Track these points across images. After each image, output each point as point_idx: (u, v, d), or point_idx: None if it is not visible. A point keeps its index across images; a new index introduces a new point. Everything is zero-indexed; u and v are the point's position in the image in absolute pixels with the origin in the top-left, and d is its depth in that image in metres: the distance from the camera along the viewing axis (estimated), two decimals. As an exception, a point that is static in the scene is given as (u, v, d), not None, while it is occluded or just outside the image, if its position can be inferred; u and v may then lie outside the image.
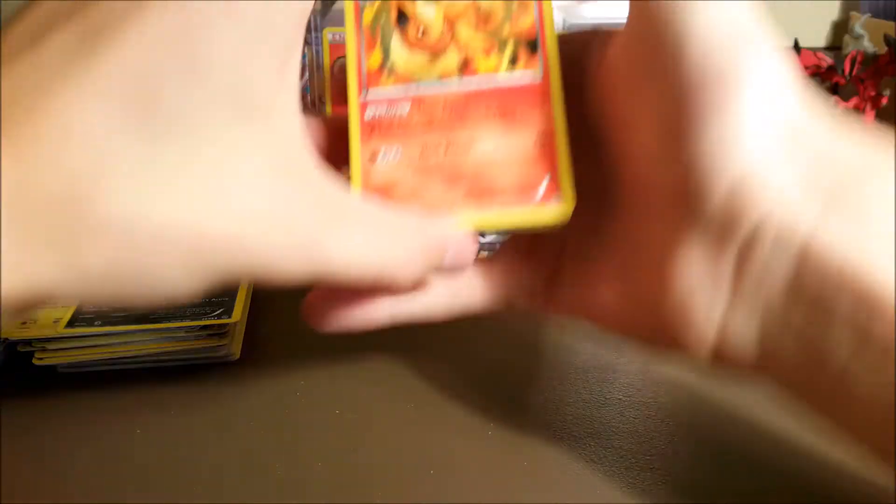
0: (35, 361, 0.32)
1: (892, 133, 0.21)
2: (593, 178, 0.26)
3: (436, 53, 0.27)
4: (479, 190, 0.26)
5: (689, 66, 0.21)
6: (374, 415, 0.29)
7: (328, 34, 0.51)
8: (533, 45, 0.27)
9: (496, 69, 0.27)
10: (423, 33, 0.27)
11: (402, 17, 0.27)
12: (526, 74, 0.27)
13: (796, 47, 0.54)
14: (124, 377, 0.32)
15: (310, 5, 0.22)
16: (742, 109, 0.20)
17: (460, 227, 0.25)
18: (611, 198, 0.26)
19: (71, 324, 0.33)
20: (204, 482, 0.26)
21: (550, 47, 0.27)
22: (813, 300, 0.20)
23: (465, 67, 0.27)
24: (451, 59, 0.27)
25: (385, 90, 0.27)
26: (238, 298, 0.35)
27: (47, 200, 0.18)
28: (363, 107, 0.27)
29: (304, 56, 0.52)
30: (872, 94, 0.52)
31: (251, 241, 0.20)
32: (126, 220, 0.18)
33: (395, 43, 0.27)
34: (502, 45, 0.27)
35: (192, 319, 0.33)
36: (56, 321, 0.33)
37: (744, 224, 0.21)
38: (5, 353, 0.33)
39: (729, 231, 0.21)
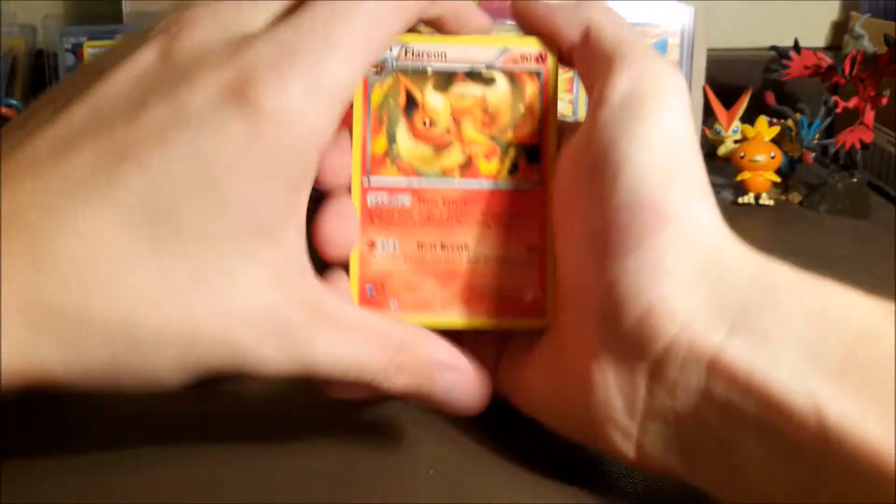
0: (35, 361, 0.32)
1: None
2: None
3: (440, 148, 0.27)
4: (470, 292, 0.27)
5: (621, 193, 0.23)
6: (374, 414, 0.29)
7: (328, 34, 0.51)
8: (534, 155, 0.27)
9: (496, 175, 0.27)
10: (430, 125, 0.27)
11: (411, 104, 0.27)
12: (524, 184, 0.27)
13: (796, 47, 0.54)
14: (124, 377, 0.32)
15: (329, 135, 0.23)
16: (662, 243, 0.22)
17: (448, 327, 0.27)
18: None
19: (71, 324, 0.33)
20: (204, 482, 0.26)
21: (550, 159, 0.27)
22: (723, 408, 0.21)
23: (467, 167, 0.27)
24: (455, 156, 0.27)
25: (388, 179, 0.27)
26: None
27: (60, 305, 0.20)
28: (365, 192, 0.27)
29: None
30: (872, 94, 0.52)
31: (242, 341, 0.22)
32: (128, 323, 0.21)
33: (402, 131, 0.27)
34: (504, 151, 0.27)
35: (193, 319, 0.33)
36: (56, 321, 0.33)
37: (654, 345, 0.22)
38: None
39: (640, 350, 0.22)
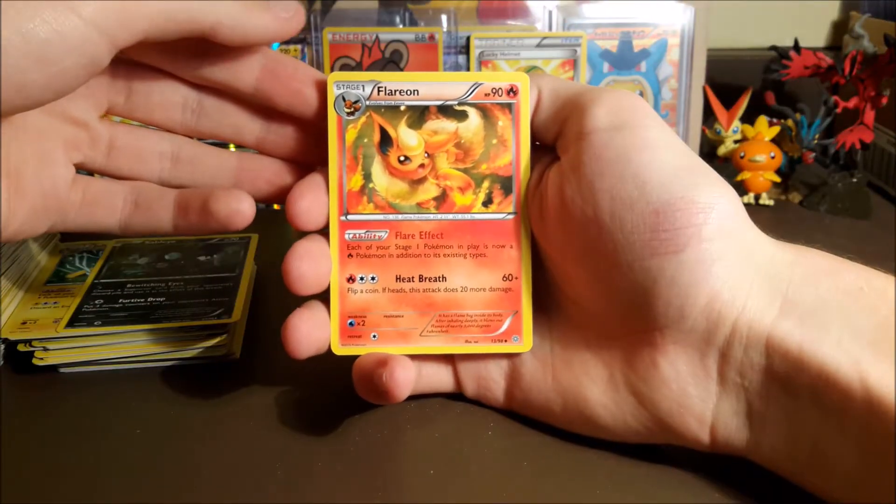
0: (35, 361, 0.32)
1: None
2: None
3: (415, 183, 0.28)
4: (448, 320, 0.28)
5: (655, 196, 0.24)
6: (373, 414, 0.29)
7: (328, 34, 0.51)
8: (508, 186, 0.28)
9: (471, 207, 0.28)
10: (404, 161, 0.28)
11: (385, 141, 0.28)
12: (499, 215, 0.28)
13: (796, 47, 0.54)
14: (124, 377, 0.32)
15: None
16: (709, 233, 0.24)
17: (428, 352, 0.28)
18: (552, 301, 0.28)
19: (71, 324, 0.33)
20: (204, 481, 0.26)
21: (524, 189, 0.28)
22: (783, 382, 0.23)
23: (443, 201, 0.28)
24: (430, 191, 0.28)
25: (365, 215, 0.28)
26: (238, 298, 0.35)
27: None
28: (343, 227, 0.28)
29: (304, 56, 0.52)
30: (872, 94, 0.52)
31: None
32: None
33: (377, 169, 0.28)
34: (478, 183, 0.28)
35: (192, 319, 0.33)
36: (56, 321, 0.33)
37: (721, 329, 0.24)
38: (5, 353, 0.33)
39: (709, 336, 0.24)
